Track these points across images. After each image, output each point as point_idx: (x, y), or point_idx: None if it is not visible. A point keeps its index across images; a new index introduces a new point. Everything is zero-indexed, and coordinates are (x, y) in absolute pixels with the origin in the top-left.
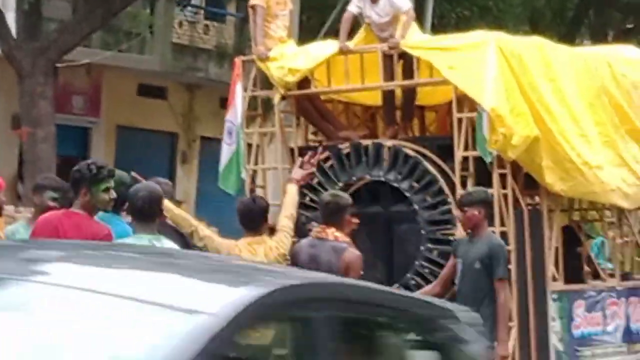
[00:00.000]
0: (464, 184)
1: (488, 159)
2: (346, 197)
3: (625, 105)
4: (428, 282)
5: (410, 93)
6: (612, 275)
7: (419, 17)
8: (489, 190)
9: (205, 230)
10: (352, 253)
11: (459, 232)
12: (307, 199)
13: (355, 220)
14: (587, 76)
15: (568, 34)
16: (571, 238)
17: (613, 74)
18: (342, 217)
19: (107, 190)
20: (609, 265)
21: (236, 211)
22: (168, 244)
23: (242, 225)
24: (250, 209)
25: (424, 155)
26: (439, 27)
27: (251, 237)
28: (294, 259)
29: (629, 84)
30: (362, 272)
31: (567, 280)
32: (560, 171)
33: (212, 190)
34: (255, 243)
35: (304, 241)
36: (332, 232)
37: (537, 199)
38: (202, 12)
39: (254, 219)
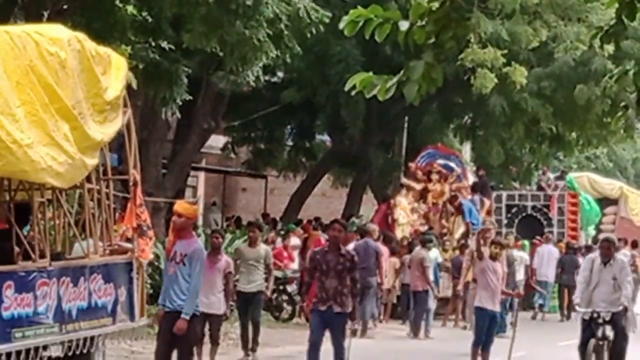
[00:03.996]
0: None
1: None
2: None
3: (54, 84)
4: None
5: None
6: (43, 256)
7: None
8: None
9: None
10: None
11: None
12: None
13: None
14: (13, 54)
15: (0, 14)
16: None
17: (41, 53)
18: None
19: None
20: None
21: None
22: None
23: None
24: None
25: None
26: None
27: None
28: None
29: (57, 63)
30: None
31: None
32: None
33: None
34: None
35: None
36: None
37: None
38: None
39: None
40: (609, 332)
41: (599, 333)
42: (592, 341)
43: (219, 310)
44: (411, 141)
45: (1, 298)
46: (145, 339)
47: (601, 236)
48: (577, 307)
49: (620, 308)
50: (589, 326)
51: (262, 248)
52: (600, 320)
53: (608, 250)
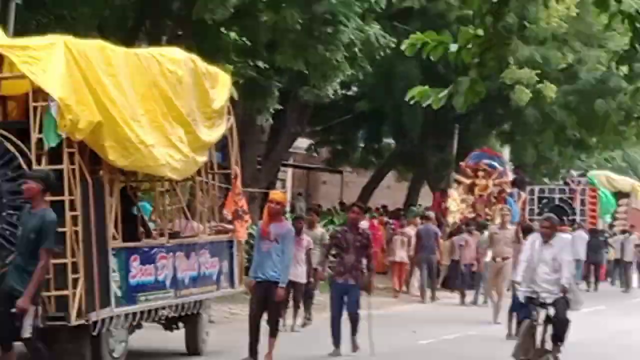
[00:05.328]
0: (40, 161)
1: (51, 143)
2: None
3: (172, 97)
4: (9, 242)
5: None
6: (162, 234)
7: (3, 24)
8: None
9: None
10: None
11: None
12: None
13: None
14: (140, 72)
15: (128, 39)
16: (128, 203)
17: (162, 71)
18: None
19: None
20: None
21: None
22: None
23: None
24: None
25: (6, 138)
26: (22, 32)
27: None
28: None
29: (175, 79)
30: None
31: (125, 239)
32: (121, 149)
33: None
34: None
35: None
36: None
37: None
38: None
39: None
40: (543, 315)
41: (536, 315)
42: (527, 322)
43: (302, 279)
44: (461, 144)
45: (129, 268)
46: (242, 303)
47: (543, 215)
48: (516, 286)
49: (559, 294)
50: (526, 306)
51: (319, 230)
52: (538, 302)
53: (548, 229)
